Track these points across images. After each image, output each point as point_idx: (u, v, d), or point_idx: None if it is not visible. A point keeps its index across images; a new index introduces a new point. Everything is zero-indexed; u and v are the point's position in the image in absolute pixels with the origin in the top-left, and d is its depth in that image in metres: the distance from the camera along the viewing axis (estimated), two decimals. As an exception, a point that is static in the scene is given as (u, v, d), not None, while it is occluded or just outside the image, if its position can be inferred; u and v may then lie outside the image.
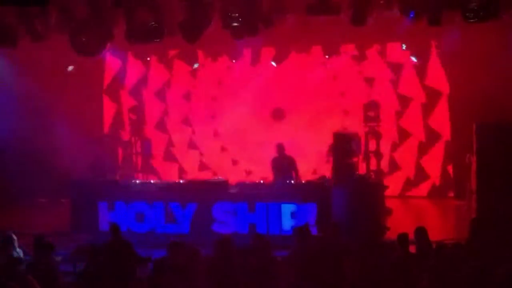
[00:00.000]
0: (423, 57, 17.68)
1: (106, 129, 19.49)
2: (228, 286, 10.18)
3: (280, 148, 15.28)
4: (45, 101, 17.52)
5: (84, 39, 14.14)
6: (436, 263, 10.02)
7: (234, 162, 19.33)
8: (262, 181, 15.72)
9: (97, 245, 11.59)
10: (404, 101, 18.02)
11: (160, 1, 13.78)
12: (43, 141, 17.23)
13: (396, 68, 17.98)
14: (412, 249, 10.86)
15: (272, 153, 16.39)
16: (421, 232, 10.67)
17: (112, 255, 11.12)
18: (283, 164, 15.12)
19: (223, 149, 19.43)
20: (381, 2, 13.21)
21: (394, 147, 18.06)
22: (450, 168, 17.57)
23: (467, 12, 12.39)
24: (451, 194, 17.22)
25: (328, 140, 15.55)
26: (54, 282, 10.25)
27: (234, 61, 18.93)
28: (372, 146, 16.25)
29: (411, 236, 10.72)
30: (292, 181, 14.69)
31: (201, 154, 19.59)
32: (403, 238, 10.74)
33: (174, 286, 10.17)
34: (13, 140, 17.13)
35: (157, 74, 19.59)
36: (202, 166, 19.46)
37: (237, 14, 13.59)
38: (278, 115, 18.81)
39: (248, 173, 18.97)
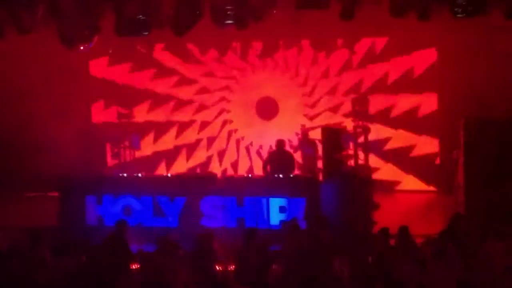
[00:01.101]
0: (412, 52, 17.68)
1: (93, 122, 19.52)
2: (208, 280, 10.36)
3: (280, 143, 15.39)
4: (32, 94, 17.59)
5: (71, 32, 14.01)
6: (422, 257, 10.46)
7: (221, 155, 19.34)
8: (250, 175, 16.10)
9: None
10: (393, 95, 18.00)
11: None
12: (30, 135, 17.35)
13: (385, 63, 17.87)
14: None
15: (260, 147, 16.66)
16: (403, 231, 10.77)
17: (110, 250, 11.28)
18: (281, 159, 15.19)
19: (211, 141, 19.45)
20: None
21: (383, 141, 18.01)
22: (438, 163, 17.63)
23: (455, 7, 12.37)
24: (439, 189, 17.25)
25: (317, 135, 15.58)
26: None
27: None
28: (360, 140, 16.24)
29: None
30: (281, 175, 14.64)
31: (189, 147, 19.56)
32: (384, 232, 10.98)
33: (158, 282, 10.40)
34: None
35: (145, 66, 19.45)
36: (191, 160, 19.45)
37: (229, 8, 13.52)
38: (268, 108, 18.78)
39: (236, 166, 19.09)
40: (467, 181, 13.99)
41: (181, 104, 19.48)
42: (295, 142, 17.20)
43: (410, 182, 17.89)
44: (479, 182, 13.65)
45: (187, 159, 19.53)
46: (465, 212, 13.42)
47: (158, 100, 19.51)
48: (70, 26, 13.93)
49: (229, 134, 19.23)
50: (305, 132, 16.32)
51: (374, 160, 16.85)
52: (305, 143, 16.04)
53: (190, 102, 19.33)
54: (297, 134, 17.03)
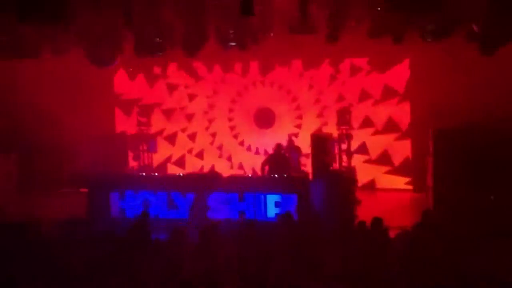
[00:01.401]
0: (388, 69, 17.74)
1: (117, 130, 19.44)
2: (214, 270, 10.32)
3: (278, 147, 15.46)
4: (66, 107, 17.37)
5: (98, 52, 14.04)
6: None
7: (228, 158, 19.35)
8: (250, 175, 16.13)
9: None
10: (372, 106, 18.03)
11: (162, 19, 13.41)
12: (66, 142, 17.23)
13: (365, 78, 17.99)
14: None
15: (258, 152, 16.86)
16: (377, 221, 10.82)
17: (134, 238, 11.38)
18: (278, 161, 15.18)
19: (218, 147, 19.48)
20: (353, 24, 13.19)
21: (364, 146, 18.06)
22: (411, 166, 17.62)
23: (425, 33, 12.59)
24: (412, 188, 17.37)
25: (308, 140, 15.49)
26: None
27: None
28: (344, 145, 16.03)
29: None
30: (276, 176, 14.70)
31: (199, 151, 19.60)
32: (361, 225, 11.22)
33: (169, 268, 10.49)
34: (38, 141, 17.11)
35: (160, 82, 19.66)
36: (200, 162, 19.51)
37: (231, 32, 13.64)
38: (266, 117, 18.79)
39: (239, 167, 19.07)
40: (435, 183, 14.15)
41: (189, 114, 19.55)
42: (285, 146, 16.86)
43: (388, 182, 17.87)
44: (445, 184, 13.75)
45: (196, 160, 19.56)
46: (434, 209, 13.67)
47: (171, 111, 19.56)
48: (98, 48, 13.94)
49: (233, 139, 19.25)
50: (290, 139, 16.30)
51: (356, 162, 16.56)
52: (291, 148, 15.99)
53: (201, 112, 19.43)
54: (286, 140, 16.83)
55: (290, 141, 16.18)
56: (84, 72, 16.63)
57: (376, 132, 18.00)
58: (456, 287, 9.17)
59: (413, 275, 9.60)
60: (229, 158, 19.37)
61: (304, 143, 16.42)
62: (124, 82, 19.59)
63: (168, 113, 19.60)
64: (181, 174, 16.60)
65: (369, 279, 9.59)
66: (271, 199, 13.70)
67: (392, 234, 11.08)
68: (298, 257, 10.52)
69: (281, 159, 15.31)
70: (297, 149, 16.07)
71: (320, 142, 14.74)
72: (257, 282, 10.19)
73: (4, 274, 9.74)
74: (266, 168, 15.27)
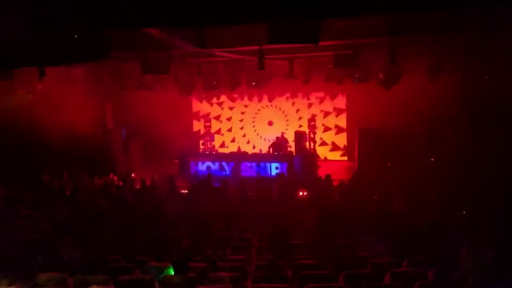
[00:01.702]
0: (336, 97, 17.05)
1: (194, 128, 18.62)
2: (245, 200, 11.25)
3: (278, 138, 15.63)
4: (161, 119, 15.80)
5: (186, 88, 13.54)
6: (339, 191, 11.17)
7: (250, 145, 18.05)
8: (263, 152, 16.14)
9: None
10: (327, 117, 17.30)
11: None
12: (168, 137, 16.03)
13: (323, 104, 17.30)
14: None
15: (267, 142, 16.75)
16: (327, 177, 11.44)
17: (203, 185, 12.03)
18: (277, 145, 15.26)
19: (244, 140, 18.23)
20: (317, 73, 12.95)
21: (322, 139, 17.30)
22: (347, 148, 16.90)
23: (354, 79, 12.53)
24: (346, 159, 16.71)
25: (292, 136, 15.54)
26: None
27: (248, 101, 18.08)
28: (311, 138, 16.40)
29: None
30: (276, 153, 14.87)
31: (234, 142, 18.39)
32: (319, 178, 12.04)
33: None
34: (157, 136, 15.87)
35: (209, 106, 18.51)
36: (236, 146, 18.25)
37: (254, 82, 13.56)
38: (270, 122, 17.86)
39: (256, 149, 17.74)
40: (359, 157, 14.39)
41: (230, 121, 18.48)
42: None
43: (334, 156, 17.19)
44: (364, 157, 13.94)
45: (234, 145, 18.36)
46: (358, 170, 13.78)
47: (221, 119, 18.44)
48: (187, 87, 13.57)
49: (254, 133, 18.20)
50: (282, 134, 15.89)
51: (317, 146, 16.67)
52: (282, 139, 15.62)
53: (235, 120, 18.42)
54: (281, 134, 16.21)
55: (282, 135, 15.89)
56: (177, 100, 16.27)
57: (328, 130, 17.38)
58: (375, 215, 8.95)
59: (348, 206, 9.85)
60: (250, 143, 18.21)
61: (290, 136, 15.95)
62: (196, 105, 18.55)
63: (220, 120, 18.48)
64: (227, 153, 16.74)
65: (324, 206, 9.89)
66: (274, 165, 14.17)
67: (335, 183, 11.56)
68: (286, 193, 11.48)
69: (278, 144, 15.38)
70: (286, 140, 15.81)
71: (299, 136, 15.27)
72: (266, 201, 11.06)
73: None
74: (271, 149, 15.31)
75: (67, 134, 12.24)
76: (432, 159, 13.31)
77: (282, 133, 16.23)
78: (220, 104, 18.63)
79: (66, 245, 7.23)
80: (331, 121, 17.50)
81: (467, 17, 7.62)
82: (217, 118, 18.76)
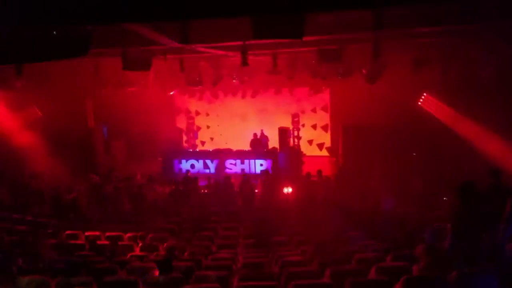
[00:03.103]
0: (318, 93, 17.17)
1: (177, 125, 18.45)
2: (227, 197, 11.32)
3: (255, 135, 15.62)
4: (149, 114, 16.13)
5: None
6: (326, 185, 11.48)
7: (232, 142, 16.97)
8: (246, 150, 15.55)
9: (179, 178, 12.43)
10: (311, 115, 17.41)
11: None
12: (152, 131, 16.38)
13: (308, 99, 17.40)
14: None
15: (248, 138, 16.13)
16: (319, 171, 11.68)
17: (186, 182, 12.00)
18: (257, 142, 15.39)
19: (226, 136, 17.91)
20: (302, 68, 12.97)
21: (305, 136, 17.39)
22: (331, 142, 16.95)
23: (337, 73, 12.55)
24: (329, 155, 16.55)
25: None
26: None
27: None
28: (295, 135, 16.77)
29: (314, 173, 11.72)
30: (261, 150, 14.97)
31: (216, 139, 18.20)
32: (307, 174, 11.91)
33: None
34: (136, 133, 16.45)
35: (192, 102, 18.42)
36: (219, 144, 17.50)
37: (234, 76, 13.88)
38: (251, 119, 17.78)
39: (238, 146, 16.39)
40: (343, 153, 14.66)
41: (213, 117, 18.39)
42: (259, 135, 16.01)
43: (318, 152, 17.26)
44: (348, 153, 14.23)
45: (218, 143, 17.83)
46: (342, 165, 14.18)
47: (204, 115, 18.40)
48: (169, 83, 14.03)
49: (237, 130, 17.81)
50: (261, 131, 15.88)
51: (301, 142, 17.01)
52: (262, 136, 15.72)
53: (219, 117, 18.32)
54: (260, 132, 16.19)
55: (262, 132, 15.88)
56: (159, 96, 16.20)
57: (312, 125, 17.51)
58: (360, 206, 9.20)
59: (335, 198, 10.26)
60: (232, 140, 17.36)
61: (273, 133, 15.60)
62: (179, 101, 18.45)
63: (203, 116, 18.43)
64: (210, 150, 16.38)
65: (308, 200, 10.36)
66: (258, 162, 14.22)
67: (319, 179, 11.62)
68: (270, 189, 11.57)
69: (258, 141, 15.47)
70: (266, 137, 15.81)
71: (283, 132, 15.31)
72: (248, 199, 11.09)
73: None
74: (250, 146, 15.29)
75: (46, 132, 12.10)
76: (414, 154, 13.43)
77: (262, 130, 16.14)
78: (202, 100, 18.55)
79: (46, 246, 7.19)
80: (315, 117, 17.59)
81: (447, 10, 7.73)
82: (200, 114, 18.75)
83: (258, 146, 15.21)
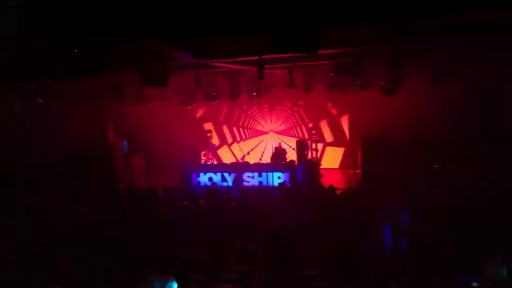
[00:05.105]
0: (336, 105, 17.06)
1: (195, 138, 17.87)
2: (246, 210, 10.71)
3: (276, 148, 15.72)
4: (165, 127, 16.57)
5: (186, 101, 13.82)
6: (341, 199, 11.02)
7: (251, 155, 18.18)
8: (264, 162, 16.06)
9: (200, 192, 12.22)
10: (328, 124, 17.41)
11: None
12: (169, 148, 16.58)
13: (325, 110, 17.33)
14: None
15: (269, 150, 16.66)
16: (331, 187, 11.35)
17: (209, 196, 11.95)
18: (277, 155, 15.28)
19: (244, 150, 18.45)
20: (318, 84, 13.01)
21: (323, 148, 17.38)
22: (349, 155, 16.83)
23: (355, 86, 12.18)
24: (351, 167, 16.26)
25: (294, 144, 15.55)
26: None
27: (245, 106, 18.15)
28: (314, 147, 16.26)
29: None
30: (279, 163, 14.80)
31: (234, 152, 18.60)
32: (330, 188, 11.54)
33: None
34: (157, 145, 16.56)
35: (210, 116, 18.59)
36: (237, 157, 18.39)
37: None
38: (270, 133, 17.94)
39: (259, 159, 17.94)
40: (363, 166, 14.11)
41: (227, 129, 18.55)
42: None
43: (336, 165, 17.25)
44: (369, 167, 13.77)
45: (235, 156, 18.53)
46: (361, 179, 13.79)
47: (224, 128, 18.57)
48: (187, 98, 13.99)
49: (253, 142, 18.23)
50: (279, 144, 16.20)
51: (320, 155, 16.71)
52: (280, 149, 15.70)
53: (233, 129, 18.49)
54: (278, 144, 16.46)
55: (280, 145, 16.00)
56: (178, 111, 16.39)
57: (329, 138, 17.43)
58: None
59: (351, 213, 9.62)
60: (250, 154, 18.29)
61: (291, 145, 15.84)
62: (197, 115, 18.51)
63: (220, 130, 18.56)
64: (229, 163, 16.54)
65: (327, 213, 9.79)
66: (276, 175, 14.04)
67: (338, 192, 11.47)
68: (288, 203, 11.05)
69: (279, 154, 15.38)
70: (284, 150, 15.80)
71: (301, 144, 15.27)
72: (266, 212, 10.52)
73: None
74: (273, 159, 15.24)
75: (67, 149, 12.22)
76: (436, 166, 13.01)
77: (279, 143, 16.33)
78: (220, 114, 18.65)
79: (66, 261, 7.05)
80: (333, 129, 17.49)
81: (468, 20, 7.42)
82: (217, 128, 18.83)
83: (279, 160, 15.13)
